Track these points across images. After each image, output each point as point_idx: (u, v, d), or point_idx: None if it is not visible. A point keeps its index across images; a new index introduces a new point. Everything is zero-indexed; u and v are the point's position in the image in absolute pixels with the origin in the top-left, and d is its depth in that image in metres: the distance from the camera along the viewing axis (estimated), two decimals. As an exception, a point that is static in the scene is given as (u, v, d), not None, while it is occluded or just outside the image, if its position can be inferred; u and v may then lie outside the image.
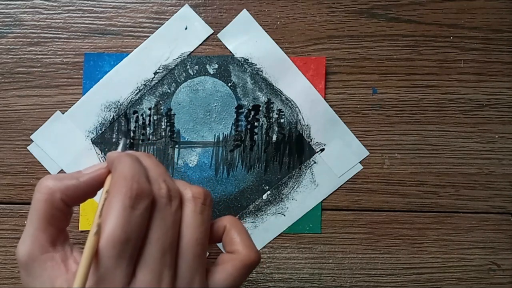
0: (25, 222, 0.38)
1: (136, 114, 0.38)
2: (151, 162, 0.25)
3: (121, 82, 0.38)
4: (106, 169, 0.25)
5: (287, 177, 0.38)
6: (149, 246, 0.22)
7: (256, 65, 0.38)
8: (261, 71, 0.38)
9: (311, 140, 0.38)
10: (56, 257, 0.22)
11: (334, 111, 0.38)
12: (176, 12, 0.38)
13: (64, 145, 0.38)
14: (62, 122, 0.38)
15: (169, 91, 0.38)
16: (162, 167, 0.25)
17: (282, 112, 0.38)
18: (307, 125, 0.38)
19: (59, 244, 0.23)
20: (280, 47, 0.38)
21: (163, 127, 0.38)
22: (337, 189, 0.38)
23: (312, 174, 0.38)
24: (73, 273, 0.22)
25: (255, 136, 0.38)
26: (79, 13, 0.38)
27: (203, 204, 0.25)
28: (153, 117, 0.38)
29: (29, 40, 0.38)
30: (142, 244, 0.22)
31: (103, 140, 0.38)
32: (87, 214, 0.37)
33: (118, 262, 0.21)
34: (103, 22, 0.38)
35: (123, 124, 0.38)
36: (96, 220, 0.22)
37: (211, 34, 0.38)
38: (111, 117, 0.38)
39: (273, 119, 0.38)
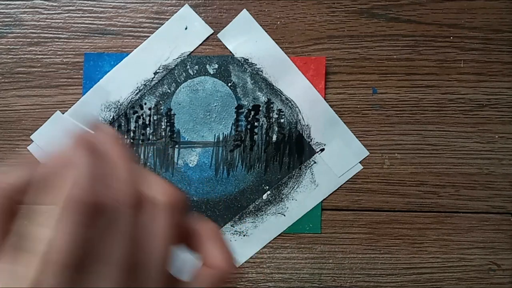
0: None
1: (136, 114, 0.38)
2: (116, 154, 0.20)
3: (121, 82, 0.38)
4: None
5: (287, 177, 0.38)
6: (105, 260, 0.18)
7: (256, 65, 0.38)
8: (261, 71, 0.38)
9: (311, 140, 0.38)
10: None
11: (334, 111, 0.38)
12: (176, 12, 0.38)
13: (64, 145, 0.38)
14: (62, 122, 0.38)
15: (169, 91, 0.38)
16: (129, 161, 0.20)
17: (282, 112, 0.38)
18: (307, 125, 0.38)
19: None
20: (280, 47, 0.38)
21: (163, 127, 0.38)
22: (337, 189, 0.38)
23: (312, 174, 0.38)
24: None
25: (255, 136, 0.38)
26: (79, 13, 0.38)
27: (171, 211, 0.20)
28: (153, 117, 0.38)
29: (29, 40, 0.38)
30: (97, 259, 0.18)
31: (103, 140, 0.38)
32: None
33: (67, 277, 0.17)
34: (103, 22, 0.38)
35: (123, 124, 0.38)
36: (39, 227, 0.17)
37: (211, 34, 0.38)
38: (111, 117, 0.38)
39: (273, 119, 0.38)
